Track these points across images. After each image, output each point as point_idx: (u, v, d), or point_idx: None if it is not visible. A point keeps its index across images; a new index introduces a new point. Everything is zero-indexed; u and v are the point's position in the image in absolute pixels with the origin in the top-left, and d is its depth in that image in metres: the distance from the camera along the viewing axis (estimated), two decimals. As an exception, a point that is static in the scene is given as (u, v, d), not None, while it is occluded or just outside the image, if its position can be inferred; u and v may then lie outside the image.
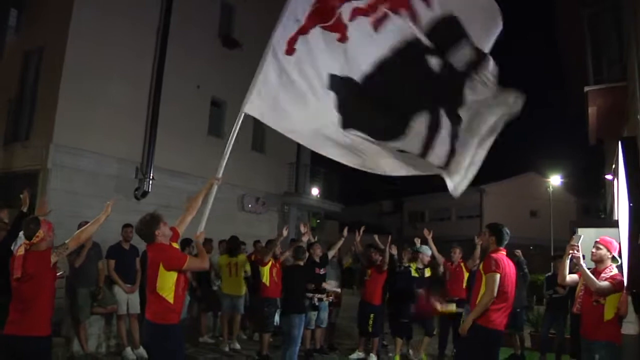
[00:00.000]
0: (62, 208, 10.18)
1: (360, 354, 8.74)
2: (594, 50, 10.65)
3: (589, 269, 4.89)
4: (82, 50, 11.31)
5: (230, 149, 4.79)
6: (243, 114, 4.72)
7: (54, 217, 9.04)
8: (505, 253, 5.14)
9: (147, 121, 12.56)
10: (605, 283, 4.73)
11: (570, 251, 4.90)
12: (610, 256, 4.88)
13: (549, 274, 8.93)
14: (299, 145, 17.90)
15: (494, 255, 5.03)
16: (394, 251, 8.97)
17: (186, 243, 8.34)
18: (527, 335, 10.00)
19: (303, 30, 4.44)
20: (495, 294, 4.83)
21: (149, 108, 12.62)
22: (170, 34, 12.98)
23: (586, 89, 9.62)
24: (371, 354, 8.60)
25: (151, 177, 12.39)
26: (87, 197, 10.89)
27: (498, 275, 4.85)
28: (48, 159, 10.83)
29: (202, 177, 13.48)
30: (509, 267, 5.05)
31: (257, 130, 15.13)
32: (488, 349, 4.97)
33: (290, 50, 4.47)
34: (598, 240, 5.00)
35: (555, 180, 31.46)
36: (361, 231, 9.02)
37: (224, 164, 4.85)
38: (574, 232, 9.83)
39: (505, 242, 5.18)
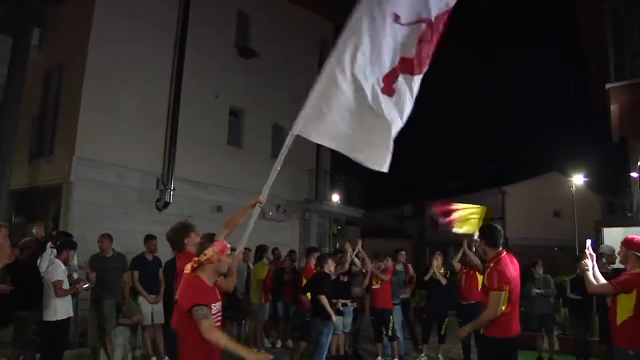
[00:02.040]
0: (86, 220, 10.36)
1: None
2: (615, 45, 10.48)
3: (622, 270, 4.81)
4: (101, 65, 11.48)
5: (277, 169, 4.55)
6: (294, 136, 4.50)
7: (78, 230, 9.23)
8: (505, 252, 4.86)
9: (167, 132, 12.71)
10: (601, 284, 4.71)
11: (584, 260, 4.89)
12: (634, 254, 4.75)
13: (573, 276, 8.76)
14: (318, 152, 17.98)
15: (498, 266, 4.72)
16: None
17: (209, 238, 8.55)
18: (555, 338, 9.84)
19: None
20: (498, 314, 4.60)
21: (168, 119, 12.77)
22: (188, 45, 13.13)
23: (607, 85, 9.47)
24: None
25: (172, 188, 12.50)
26: (109, 209, 11.04)
27: (503, 294, 4.59)
28: (71, 172, 11.00)
29: (222, 186, 13.60)
30: (514, 269, 4.80)
31: (276, 138, 15.21)
32: (507, 358, 4.81)
33: (389, 90, 4.38)
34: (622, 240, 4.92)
35: (578, 179, 30.98)
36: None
37: (270, 185, 4.57)
38: (599, 232, 9.72)
39: (500, 241, 4.89)
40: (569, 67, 72.86)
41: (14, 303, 5.67)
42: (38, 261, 7.03)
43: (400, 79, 4.40)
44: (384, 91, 4.33)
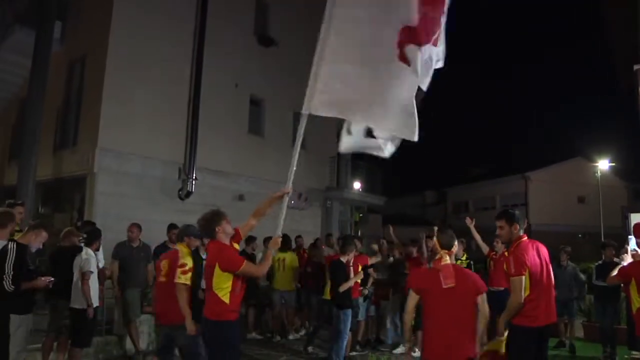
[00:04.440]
0: (109, 211, 10.49)
1: (404, 348, 8.70)
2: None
3: None
4: (122, 56, 11.57)
5: (297, 156, 4.69)
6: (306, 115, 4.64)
7: (102, 220, 9.36)
8: (526, 237, 4.65)
9: (188, 122, 12.77)
10: (613, 275, 4.73)
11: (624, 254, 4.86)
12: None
13: (599, 262, 8.60)
14: (339, 139, 17.90)
15: (515, 251, 4.53)
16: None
17: (250, 240, 9.05)
18: (580, 325, 9.72)
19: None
20: (522, 299, 4.43)
21: (189, 109, 12.82)
22: (207, 34, 13.14)
23: (636, 67, 9.25)
24: (415, 348, 8.52)
25: (194, 178, 12.58)
26: (133, 199, 11.15)
27: (523, 277, 4.42)
28: (94, 163, 11.13)
29: (244, 175, 13.66)
30: (537, 253, 4.58)
31: (297, 127, 15.18)
32: (536, 346, 4.61)
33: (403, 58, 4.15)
34: None
35: (603, 164, 30.42)
36: None
37: (292, 173, 4.73)
38: (626, 218, 9.56)
39: (523, 225, 4.70)
40: (595, 47, 71.44)
41: (51, 290, 5.77)
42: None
43: (409, 48, 4.10)
44: (400, 58, 4.12)
